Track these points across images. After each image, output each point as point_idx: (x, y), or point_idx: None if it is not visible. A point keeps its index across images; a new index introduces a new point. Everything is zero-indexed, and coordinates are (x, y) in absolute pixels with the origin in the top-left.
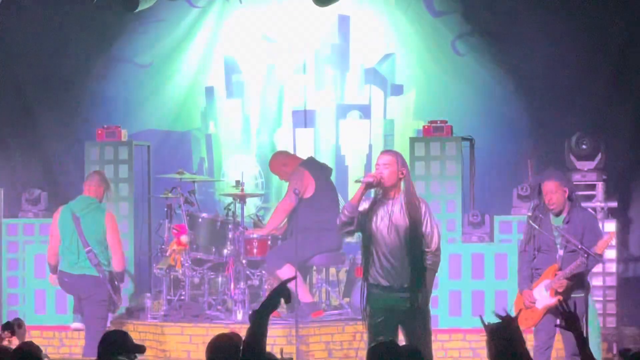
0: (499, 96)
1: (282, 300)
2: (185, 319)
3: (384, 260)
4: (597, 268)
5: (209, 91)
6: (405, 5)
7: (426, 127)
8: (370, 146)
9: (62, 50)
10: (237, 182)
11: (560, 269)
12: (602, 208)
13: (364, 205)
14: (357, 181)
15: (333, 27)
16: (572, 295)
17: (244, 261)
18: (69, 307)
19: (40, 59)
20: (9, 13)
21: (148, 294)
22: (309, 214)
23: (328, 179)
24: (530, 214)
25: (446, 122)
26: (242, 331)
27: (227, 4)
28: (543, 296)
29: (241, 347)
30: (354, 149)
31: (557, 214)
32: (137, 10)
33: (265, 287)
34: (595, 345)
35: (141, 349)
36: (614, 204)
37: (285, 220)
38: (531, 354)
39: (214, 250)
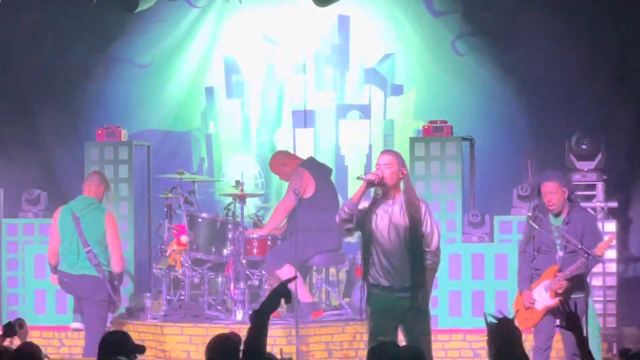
0: (499, 96)
1: (282, 301)
2: (185, 319)
3: (384, 260)
4: (597, 268)
5: (209, 91)
6: (405, 5)
7: (426, 127)
8: (370, 146)
9: (62, 50)
10: (237, 182)
11: (560, 270)
12: (602, 208)
13: (363, 204)
14: (358, 178)
15: (333, 27)
16: (572, 296)
17: (243, 261)
18: (69, 307)
19: (40, 59)
20: (9, 13)
21: (148, 294)
22: (308, 214)
23: (328, 179)
24: (530, 214)
25: (446, 122)
26: (242, 331)
27: (227, 4)
28: (543, 297)
29: (241, 348)
30: (353, 149)
31: (557, 215)
32: (137, 11)
33: (265, 287)
34: (595, 345)
35: (141, 350)
36: (614, 204)
37: (285, 220)
38: (530, 354)
39: (213, 250)
